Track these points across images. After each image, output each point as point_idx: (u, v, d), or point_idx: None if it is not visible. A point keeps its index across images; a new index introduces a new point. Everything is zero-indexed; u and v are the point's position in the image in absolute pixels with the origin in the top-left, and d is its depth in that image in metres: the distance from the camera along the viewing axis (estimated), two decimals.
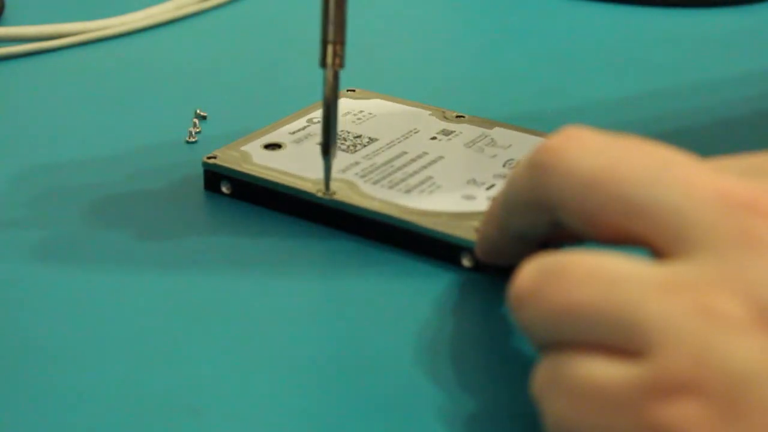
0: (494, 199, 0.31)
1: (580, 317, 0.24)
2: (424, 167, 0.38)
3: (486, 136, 0.40)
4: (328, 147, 0.35)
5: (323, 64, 0.34)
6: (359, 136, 0.40)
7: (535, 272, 0.26)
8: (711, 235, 0.24)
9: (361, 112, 0.42)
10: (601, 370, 0.24)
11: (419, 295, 0.33)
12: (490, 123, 0.41)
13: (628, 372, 0.23)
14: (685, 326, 0.23)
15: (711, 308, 0.23)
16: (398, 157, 0.39)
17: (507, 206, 0.30)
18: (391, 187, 0.36)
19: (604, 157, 0.26)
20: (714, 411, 0.22)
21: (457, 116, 0.42)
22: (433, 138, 0.40)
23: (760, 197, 0.24)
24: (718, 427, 0.22)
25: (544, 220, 0.28)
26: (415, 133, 0.41)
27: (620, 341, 0.24)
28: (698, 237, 0.24)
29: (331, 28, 0.34)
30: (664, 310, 0.23)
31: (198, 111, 0.44)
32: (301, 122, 0.41)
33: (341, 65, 0.35)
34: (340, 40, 0.34)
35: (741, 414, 0.22)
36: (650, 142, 0.26)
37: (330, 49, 0.34)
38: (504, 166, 0.38)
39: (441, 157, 0.39)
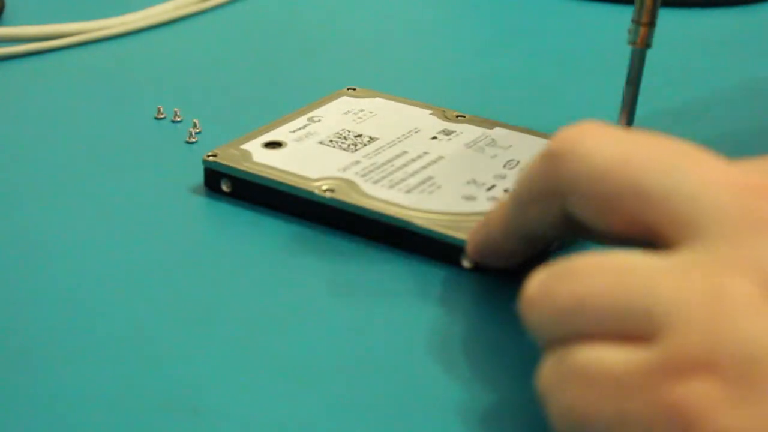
0: (499, 201, 0.32)
1: (589, 308, 0.24)
2: (425, 167, 0.38)
3: (486, 136, 0.40)
4: (629, 109, 0.39)
5: (634, 43, 0.38)
6: (360, 135, 0.40)
7: (544, 276, 0.26)
8: (721, 220, 0.24)
9: (362, 111, 0.42)
10: (611, 356, 0.24)
11: (419, 295, 0.33)
12: (490, 123, 0.41)
13: (639, 356, 0.23)
14: (695, 306, 0.23)
15: (721, 288, 0.23)
16: (399, 156, 0.38)
17: (518, 199, 0.30)
18: (391, 187, 0.36)
19: (619, 147, 0.26)
20: (728, 389, 0.22)
21: (458, 116, 0.42)
22: (434, 138, 0.40)
23: None
24: (732, 405, 0.22)
25: (555, 211, 0.28)
26: (416, 132, 0.41)
27: (630, 327, 0.24)
28: (708, 222, 0.24)
29: (644, 11, 0.38)
30: (674, 292, 0.23)
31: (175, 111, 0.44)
32: (302, 121, 0.41)
33: (648, 45, 0.38)
34: (649, 22, 0.38)
35: (755, 391, 0.22)
36: (664, 136, 0.27)
37: (641, 30, 0.38)
38: (504, 166, 0.38)
39: (441, 157, 0.39)
